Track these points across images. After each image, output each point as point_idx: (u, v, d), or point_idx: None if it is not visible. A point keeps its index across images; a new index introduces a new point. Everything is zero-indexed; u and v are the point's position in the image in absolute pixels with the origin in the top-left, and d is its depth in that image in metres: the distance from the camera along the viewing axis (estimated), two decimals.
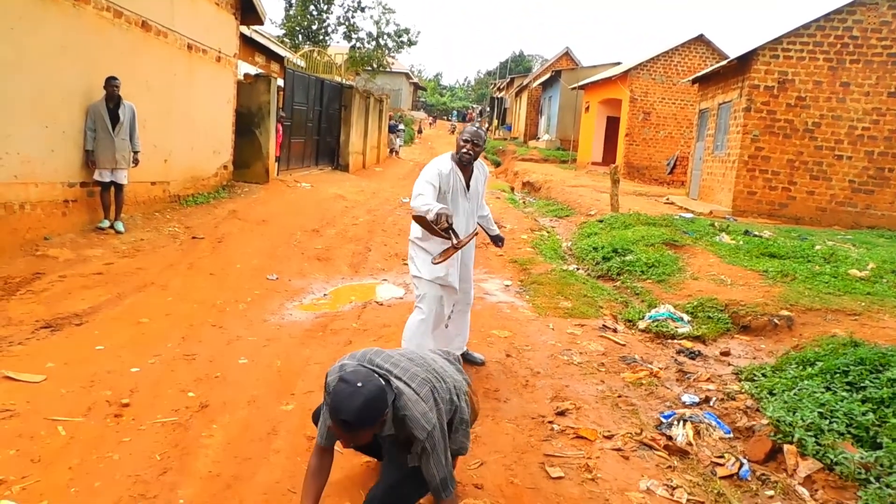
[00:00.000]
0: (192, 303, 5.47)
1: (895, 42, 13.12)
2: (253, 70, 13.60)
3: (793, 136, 13.68)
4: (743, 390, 4.38)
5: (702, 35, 24.14)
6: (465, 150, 4.01)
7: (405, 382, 2.31)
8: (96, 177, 7.29)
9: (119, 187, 7.48)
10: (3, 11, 5.97)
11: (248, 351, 4.48)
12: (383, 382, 2.20)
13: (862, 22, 13.21)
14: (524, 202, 16.41)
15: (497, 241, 4.65)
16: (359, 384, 2.10)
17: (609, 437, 3.58)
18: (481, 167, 4.30)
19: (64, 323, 4.66)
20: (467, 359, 4.54)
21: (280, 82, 13.32)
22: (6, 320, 4.57)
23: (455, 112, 70.21)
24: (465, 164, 4.09)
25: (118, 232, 7.41)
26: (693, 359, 5.20)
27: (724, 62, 15.96)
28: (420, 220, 3.67)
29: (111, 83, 7.20)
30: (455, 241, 3.62)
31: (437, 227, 3.52)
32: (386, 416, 2.18)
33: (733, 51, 22.81)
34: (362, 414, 2.07)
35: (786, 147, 13.72)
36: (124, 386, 3.70)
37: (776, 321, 5.87)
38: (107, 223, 7.42)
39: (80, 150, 7.18)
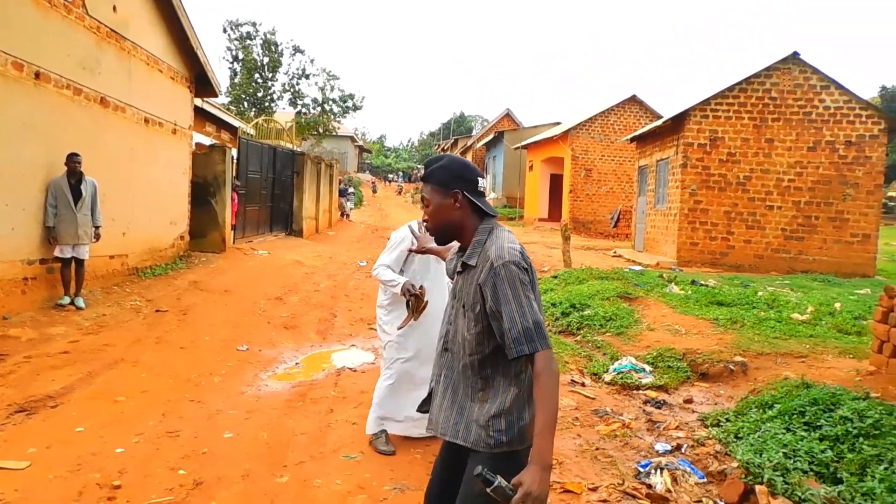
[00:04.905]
0: (166, 378, 5.45)
1: (808, 102, 14.34)
2: (206, 140, 13.72)
3: (727, 189, 14.57)
4: (710, 436, 4.63)
5: (635, 95, 25.58)
6: None
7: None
8: (57, 253, 7.22)
9: (80, 262, 7.41)
10: None
11: (231, 424, 4.50)
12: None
13: (779, 84, 14.39)
14: None
15: None
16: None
17: (594, 490, 3.75)
18: None
19: (38, 406, 4.58)
20: None
21: (234, 152, 13.46)
22: None
23: (401, 173, 71.23)
24: None
25: (79, 308, 7.29)
26: (659, 408, 5.45)
27: (659, 122, 16.98)
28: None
29: (73, 159, 7.23)
30: (411, 312, 3.85)
31: (406, 298, 3.81)
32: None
33: (664, 109, 24.24)
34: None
35: (722, 200, 14.58)
36: (112, 467, 3.69)
37: (731, 367, 6.21)
38: (67, 299, 7.30)
39: (40, 226, 7.12)
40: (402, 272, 4.20)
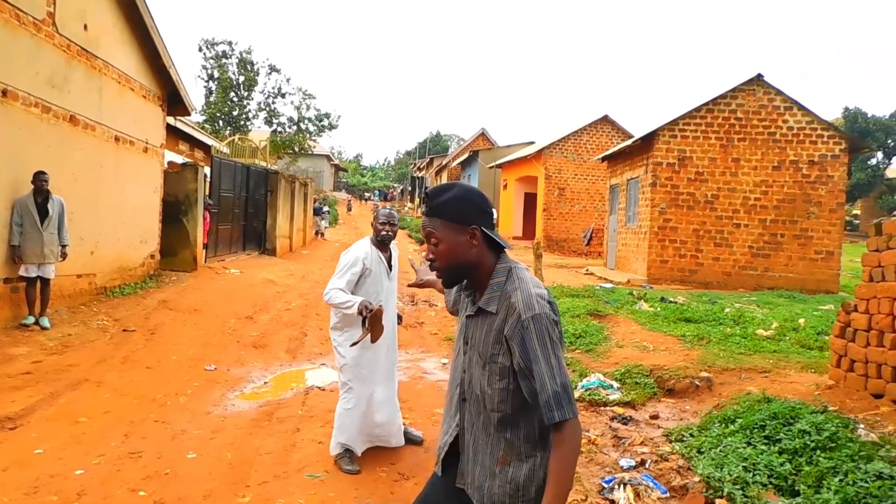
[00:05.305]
0: (130, 398, 5.37)
1: (772, 122, 14.72)
2: (178, 158, 13.65)
3: (696, 207, 14.84)
4: (674, 451, 4.70)
5: (606, 115, 25.99)
6: (384, 231, 4.28)
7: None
8: (22, 272, 7.11)
9: (45, 282, 7.31)
10: None
11: (195, 445, 4.45)
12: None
13: (744, 105, 14.76)
14: None
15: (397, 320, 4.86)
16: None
17: None
18: (394, 248, 4.59)
19: None
20: (405, 436, 4.62)
21: (207, 170, 13.40)
22: None
23: (377, 191, 71.23)
24: (385, 245, 4.37)
25: (44, 328, 7.17)
26: (626, 424, 5.51)
27: (629, 142, 17.26)
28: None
29: (40, 177, 7.16)
30: (366, 330, 3.86)
31: (362, 317, 3.82)
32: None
33: (634, 128, 24.67)
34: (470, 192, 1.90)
35: (690, 218, 14.84)
36: (70, 489, 3.63)
37: (697, 383, 6.31)
38: (31, 319, 7.18)
39: (5, 245, 7.02)
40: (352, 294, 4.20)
